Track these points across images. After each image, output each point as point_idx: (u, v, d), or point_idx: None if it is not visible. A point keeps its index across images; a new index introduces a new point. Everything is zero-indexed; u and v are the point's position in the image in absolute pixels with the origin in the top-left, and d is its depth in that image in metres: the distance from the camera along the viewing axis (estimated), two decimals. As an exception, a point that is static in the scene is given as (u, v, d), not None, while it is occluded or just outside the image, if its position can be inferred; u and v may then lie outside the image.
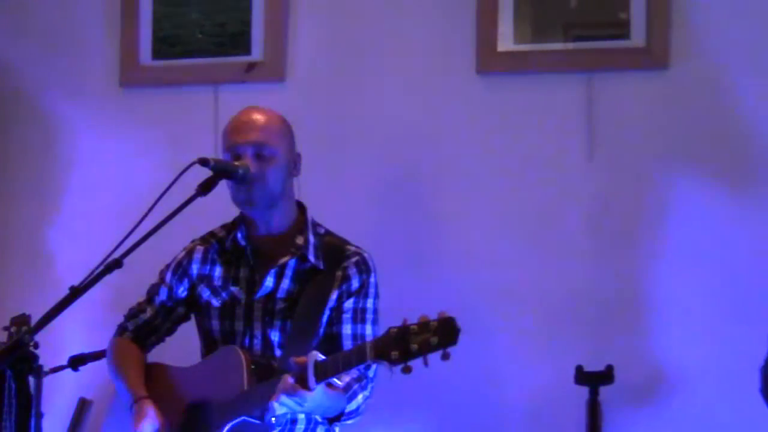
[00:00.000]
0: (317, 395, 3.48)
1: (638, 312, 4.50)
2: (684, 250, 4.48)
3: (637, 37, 4.55)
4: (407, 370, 3.25)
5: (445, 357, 3.23)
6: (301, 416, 3.74)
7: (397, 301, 4.35)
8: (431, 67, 4.74)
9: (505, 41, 4.67)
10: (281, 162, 3.83)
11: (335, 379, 3.51)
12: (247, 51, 4.91)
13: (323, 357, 3.47)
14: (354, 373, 3.70)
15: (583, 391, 4.04)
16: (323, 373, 3.44)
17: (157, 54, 5.01)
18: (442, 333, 3.24)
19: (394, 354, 3.27)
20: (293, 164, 3.89)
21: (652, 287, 4.50)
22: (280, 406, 3.48)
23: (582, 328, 4.52)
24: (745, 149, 4.44)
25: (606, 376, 4.06)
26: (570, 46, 4.64)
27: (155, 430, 3.77)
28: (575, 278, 4.57)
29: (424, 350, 3.24)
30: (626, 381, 4.18)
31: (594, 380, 4.06)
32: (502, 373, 4.59)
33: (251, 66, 4.88)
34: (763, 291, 4.25)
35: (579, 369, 4.04)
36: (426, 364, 3.26)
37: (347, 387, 3.71)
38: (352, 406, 3.73)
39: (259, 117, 3.87)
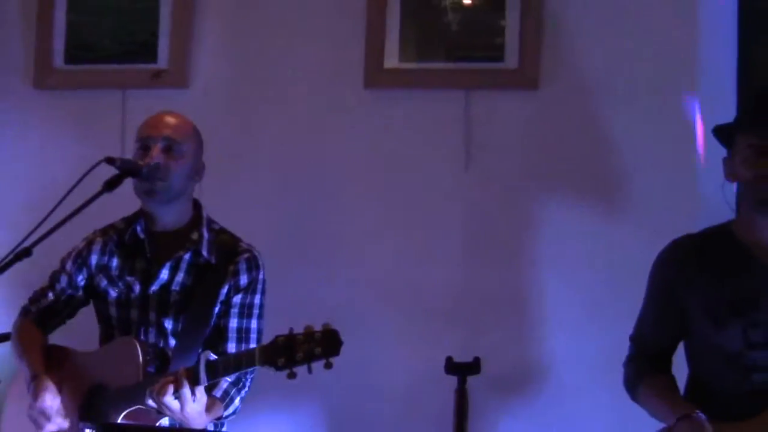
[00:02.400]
0: (199, 407, 3.53)
1: (505, 310, 4.56)
2: (549, 254, 4.54)
3: (511, 60, 4.60)
4: (292, 375, 3.30)
5: (328, 366, 3.27)
6: None
7: (287, 295, 4.43)
8: (323, 80, 4.77)
9: (391, 59, 4.71)
10: (186, 162, 3.85)
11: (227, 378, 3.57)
12: (154, 59, 4.90)
13: (214, 357, 3.51)
14: (232, 376, 3.75)
15: (453, 381, 4.09)
16: (214, 372, 3.49)
17: (69, 59, 4.98)
18: (326, 344, 3.27)
19: (281, 361, 3.31)
20: (197, 170, 3.91)
21: (518, 287, 4.56)
22: (171, 401, 3.51)
23: (454, 323, 4.58)
24: (604, 165, 4.50)
25: (473, 367, 4.09)
26: (450, 66, 4.69)
27: (55, 400, 3.77)
28: (450, 279, 4.62)
29: (308, 359, 3.28)
30: (492, 372, 4.20)
31: (462, 370, 4.07)
32: (381, 362, 4.64)
33: (157, 73, 4.88)
34: (619, 294, 4.26)
35: (449, 360, 4.08)
36: (310, 372, 3.30)
37: (225, 395, 3.75)
38: (229, 411, 3.77)
39: (174, 118, 3.90)
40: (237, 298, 3.85)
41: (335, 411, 4.67)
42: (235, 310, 3.85)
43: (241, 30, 4.87)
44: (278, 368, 3.32)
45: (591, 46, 4.55)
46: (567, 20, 4.57)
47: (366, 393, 4.64)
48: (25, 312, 4.07)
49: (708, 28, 4.52)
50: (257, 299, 3.89)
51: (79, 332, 4.05)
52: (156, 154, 3.81)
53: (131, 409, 3.63)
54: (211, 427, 3.83)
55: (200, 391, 3.52)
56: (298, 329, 3.34)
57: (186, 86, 4.87)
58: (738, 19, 4.66)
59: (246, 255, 3.89)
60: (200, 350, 3.70)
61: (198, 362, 3.51)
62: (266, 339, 3.54)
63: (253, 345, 3.81)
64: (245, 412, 3.88)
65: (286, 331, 3.36)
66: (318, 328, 3.31)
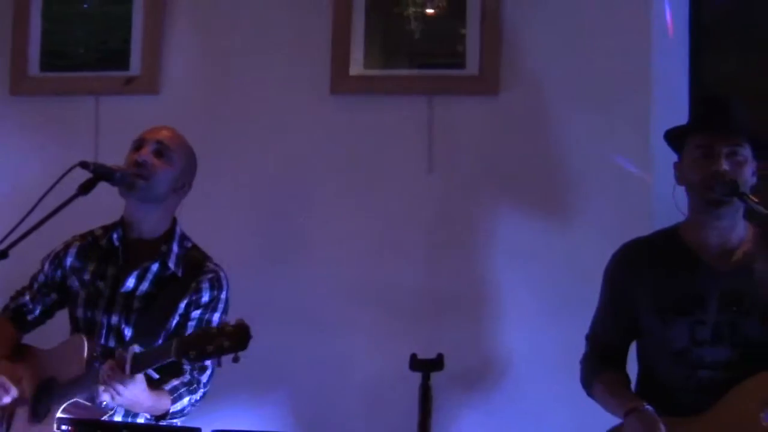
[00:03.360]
0: (136, 390, 3.54)
1: (468, 308, 4.60)
2: (509, 254, 4.57)
3: (472, 67, 4.64)
4: (202, 369, 3.43)
5: (235, 360, 3.30)
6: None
7: (256, 295, 4.45)
8: (290, 86, 4.79)
9: (357, 66, 4.74)
10: (173, 171, 3.91)
11: (152, 371, 3.58)
12: (126, 66, 4.91)
13: (140, 349, 3.54)
14: (186, 377, 3.77)
15: (417, 377, 4.10)
16: (138, 364, 3.50)
17: (44, 66, 4.98)
18: (235, 338, 3.30)
19: (192, 353, 3.35)
20: (182, 185, 3.95)
21: (480, 286, 4.59)
22: (104, 392, 3.53)
23: (418, 321, 4.60)
24: (561, 168, 4.54)
25: (437, 363, 4.06)
26: (414, 72, 4.72)
27: (5, 374, 3.83)
28: (414, 278, 4.65)
29: (218, 352, 3.31)
30: (455, 368, 4.14)
31: (426, 367, 4.04)
32: (348, 359, 4.66)
33: (129, 80, 4.89)
34: (576, 293, 4.31)
35: (413, 357, 4.08)
36: (219, 365, 3.34)
37: (173, 390, 3.75)
38: (176, 407, 3.77)
39: (172, 132, 3.97)
40: (196, 313, 3.89)
41: (303, 406, 4.67)
42: (192, 323, 3.87)
43: (211, 38, 4.90)
44: (190, 360, 3.38)
45: (548, 54, 4.59)
46: (525, 29, 4.61)
47: (333, 389, 4.65)
48: (3, 309, 4.11)
49: (661, 40, 4.58)
50: (216, 317, 3.91)
51: (55, 334, 4.08)
52: (146, 153, 3.87)
53: (70, 402, 3.67)
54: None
55: (130, 380, 3.54)
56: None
57: (157, 93, 4.88)
58: (689, 32, 4.73)
59: (210, 275, 3.93)
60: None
61: (124, 357, 3.54)
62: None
63: (208, 361, 3.80)
64: (213, 406, 3.92)
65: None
66: (232, 323, 3.35)
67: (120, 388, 3.52)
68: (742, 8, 4.79)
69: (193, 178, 4.03)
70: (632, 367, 3.86)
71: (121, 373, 3.52)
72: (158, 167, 3.88)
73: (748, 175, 3.62)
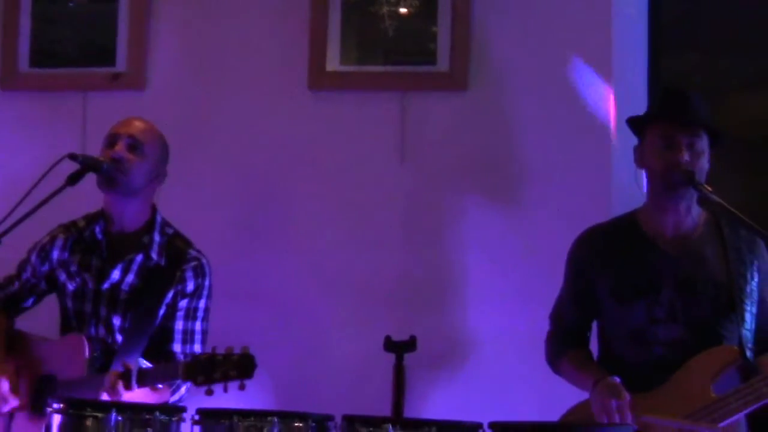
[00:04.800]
0: (137, 397, 3.57)
1: (439, 293, 4.66)
2: (478, 240, 4.63)
3: (442, 64, 4.70)
4: (209, 392, 3.35)
5: (242, 387, 3.33)
6: None
7: (239, 284, 4.48)
8: (270, 82, 4.84)
9: (333, 62, 4.79)
10: (148, 163, 3.92)
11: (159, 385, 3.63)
12: (112, 63, 4.96)
13: (148, 365, 3.59)
14: None
15: (391, 358, 4.13)
16: (143, 380, 3.55)
17: (34, 63, 5.03)
18: (241, 367, 3.32)
19: (200, 378, 3.36)
20: (157, 175, 3.97)
21: (450, 271, 4.65)
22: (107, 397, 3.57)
23: (392, 305, 4.66)
24: (526, 159, 4.61)
25: (410, 344, 4.08)
26: (387, 68, 4.79)
27: (6, 384, 3.85)
28: (388, 264, 4.70)
29: (224, 379, 3.33)
30: (427, 349, 4.15)
31: (400, 348, 4.07)
32: (326, 341, 4.71)
33: (116, 76, 4.94)
34: (541, 276, 4.34)
35: (387, 338, 4.10)
36: (225, 390, 3.34)
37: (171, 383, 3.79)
38: (175, 398, 3.82)
39: (142, 123, 3.97)
40: (183, 303, 3.92)
41: (283, 386, 4.69)
42: (180, 313, 3.92)
43: (194, 35, 4.94)
44: (197, 384, 3.38)
45: (515, 52, 4.67)
46: (493, 28, 4.68)
47: (312, 370, 4.70)
48: None
49: (621, 38, 4.65)
50: (202, 303, 3.96)
51: (45, 319, 4.13)
52: (120, 149, 3.88)
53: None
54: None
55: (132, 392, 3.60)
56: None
57: (143, 88, 4.92)
58: (648, 30, 4.81)
59: (194, 263, 3.96)
60: (144, 347, 3.79)
61: (131, 369, 3.58)
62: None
63: (197, 345, 3.89)
64: (196, 389, 3.97)
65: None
66: (238, 350, 3.35)
67: (123, 397, 3.57)
68: (699, 7, 4.87)
69: (167, 164, 4.04)
70: (593, 349, 3.92)
71: (127, 386, 3.56)
72: (133, 162, 3.89)
73: (704, 164, 3.71)
